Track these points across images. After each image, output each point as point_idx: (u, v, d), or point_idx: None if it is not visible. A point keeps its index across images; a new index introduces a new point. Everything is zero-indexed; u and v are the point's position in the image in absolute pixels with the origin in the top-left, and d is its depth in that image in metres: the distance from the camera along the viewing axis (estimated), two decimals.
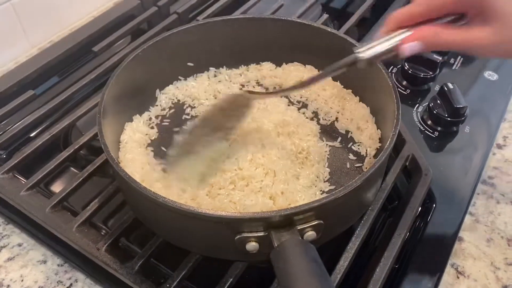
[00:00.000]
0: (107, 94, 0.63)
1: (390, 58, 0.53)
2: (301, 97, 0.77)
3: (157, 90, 0.77)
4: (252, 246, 0.51)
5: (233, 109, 0.65)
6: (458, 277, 0.62)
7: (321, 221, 0.51)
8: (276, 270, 0.47)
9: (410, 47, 0.51)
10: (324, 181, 0.65)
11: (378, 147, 0.68)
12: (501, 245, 0.65)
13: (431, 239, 0.64)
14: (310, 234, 0.51)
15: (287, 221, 0.50)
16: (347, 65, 0.54)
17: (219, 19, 0.76)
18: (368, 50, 0.53)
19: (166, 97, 0.77)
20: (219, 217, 0.50)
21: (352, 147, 0.70)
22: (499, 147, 0.78)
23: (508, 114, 0.83)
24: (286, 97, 0.77)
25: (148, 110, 0.75)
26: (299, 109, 0.75)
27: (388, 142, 0.56)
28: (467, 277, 0.62)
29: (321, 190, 0.64)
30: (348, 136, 0.72)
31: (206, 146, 0.64)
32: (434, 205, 0.68)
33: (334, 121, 0.74)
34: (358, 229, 0.60)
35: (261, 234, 0.50)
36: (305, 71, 0.79)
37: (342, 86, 0.76)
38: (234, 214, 0.50)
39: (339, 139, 0.71)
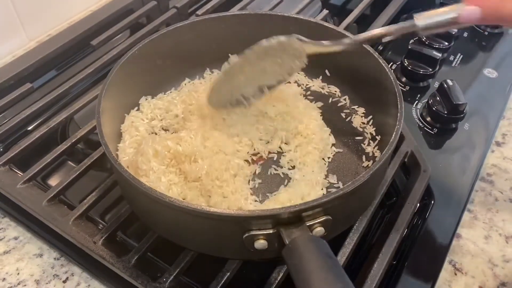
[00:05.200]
0: (108, 85, 0.62)
1: (448, 28, 0.52)
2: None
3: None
4: (261, 244, 0.50)
5: (281, 57, 0.62)
6: (455, 274, 0.62)
7: (329, 217, 0.50)
8: (290, 267, 0.46)
9: (469, 12, 0.48)
10: (328, 177, 0.65)
11: (378, 140, 0.68)
12: (499, 242, 0.65)
13: (429, 235, 0.64)
14: (319, 230, 0.50)
15: (296, 217, 0.49)
16: (404, 29, 0.55)
17: (216, 15, 0.76)
18: (428, 18, 0.52)
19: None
20: (227, 215, 0.49)
21: (355, 139, 0.70)
22: (498, 144, 0.78)
23: (507, 112, 0.83)
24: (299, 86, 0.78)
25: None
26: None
27: (393, 135, 0.56)
28: (464, 273, 0.62)
29: (326, 186, 0.64)
30: (352, 131, 0.72)
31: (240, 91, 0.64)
32: (432, 202, 0.67)
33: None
34: (356, 224, 0.60)
35: (270, 231, 0.50)
36: None
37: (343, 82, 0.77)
38: (243, 212, 0.49)
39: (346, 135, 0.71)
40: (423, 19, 0.53)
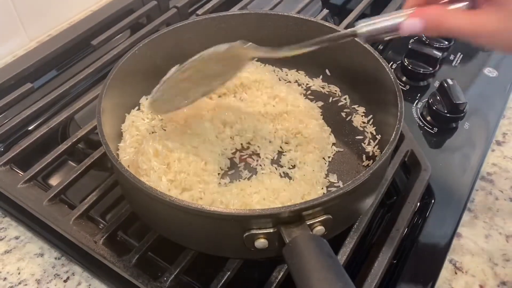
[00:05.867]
0: (109, 85, 0.62)
1: (392, 36, 0.52)
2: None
3: None
4: (261, 243, 0.50)
5: (226, 61, 0.62)
6: (456, 273, 0.62)
7: (330, 216, 0.50)
8: (291, 266, 0.46)
9: (410, 25, 0.49)
10: (328, 176, 0.65)
11: (379, 139, 0.68)
12: (500, 241, 0.65)
13: (429, 234, 0.64)
14: (319, 229, 0.50)
15: (296, 216, 0.49)
16: (346, 36, 0.55)
17: (216, 15, 0.76)
18: (370, 25, 0.52)
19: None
20: (228, 214, 0.49)
21: (356, 139, 0.70)
22: (498, 143, 0.78)
23: (508, 111, 0.83)
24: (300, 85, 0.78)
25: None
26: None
27: (394, 135, 0.56)
28: (465, 272, 0.62)
29: (326, 186, 0.64)
30: (352, 130, 0.72)
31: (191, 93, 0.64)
32: (432, 201, 0.67)
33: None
34: (357, 223, 0.60)
35: (270, 230, 0.50)
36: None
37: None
38: (243, 211, 0.49)
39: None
40: (365, 26, 0.52)
